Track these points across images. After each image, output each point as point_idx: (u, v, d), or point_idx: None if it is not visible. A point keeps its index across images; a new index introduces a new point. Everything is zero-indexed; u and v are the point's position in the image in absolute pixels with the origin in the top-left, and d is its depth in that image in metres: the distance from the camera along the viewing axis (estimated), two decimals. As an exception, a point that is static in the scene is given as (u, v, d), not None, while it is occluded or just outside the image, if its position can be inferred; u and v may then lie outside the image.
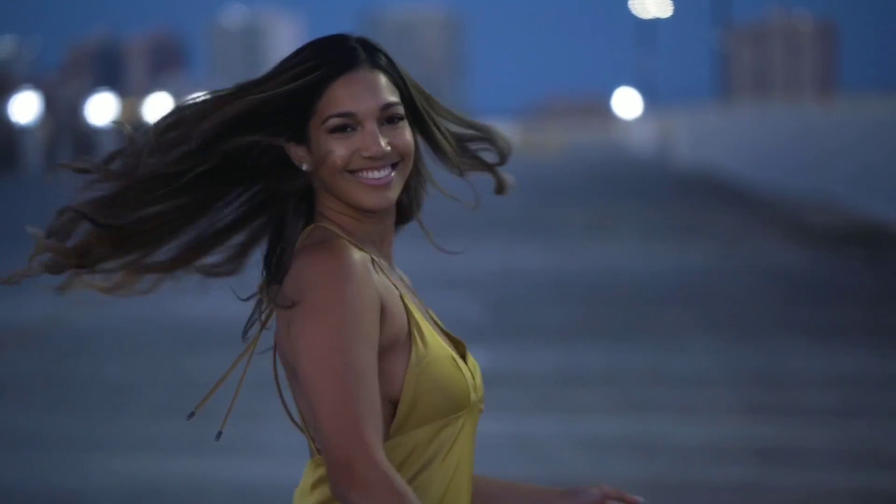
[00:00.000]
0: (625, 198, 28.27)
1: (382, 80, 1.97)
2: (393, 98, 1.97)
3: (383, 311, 1.94)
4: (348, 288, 1.90)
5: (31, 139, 44.57)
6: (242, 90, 1.98)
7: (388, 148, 1.96)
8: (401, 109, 1.98)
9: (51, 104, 51.32)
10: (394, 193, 1.98)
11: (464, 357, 2.04)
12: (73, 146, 48.05)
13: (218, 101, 1.97)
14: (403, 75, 2.00)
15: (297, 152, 1.97)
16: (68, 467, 6.84)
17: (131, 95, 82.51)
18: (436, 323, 2.04)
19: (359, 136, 1.95)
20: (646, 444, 7.06)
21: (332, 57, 1.95)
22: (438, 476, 1.95)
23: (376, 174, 1.96)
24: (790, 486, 6.38)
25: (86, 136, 50.89)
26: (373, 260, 1.98)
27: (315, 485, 1.96)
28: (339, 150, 1.95)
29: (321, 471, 1.94)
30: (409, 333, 1.95)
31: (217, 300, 13.32)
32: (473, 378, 2.01)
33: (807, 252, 17.11)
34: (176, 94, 72.05)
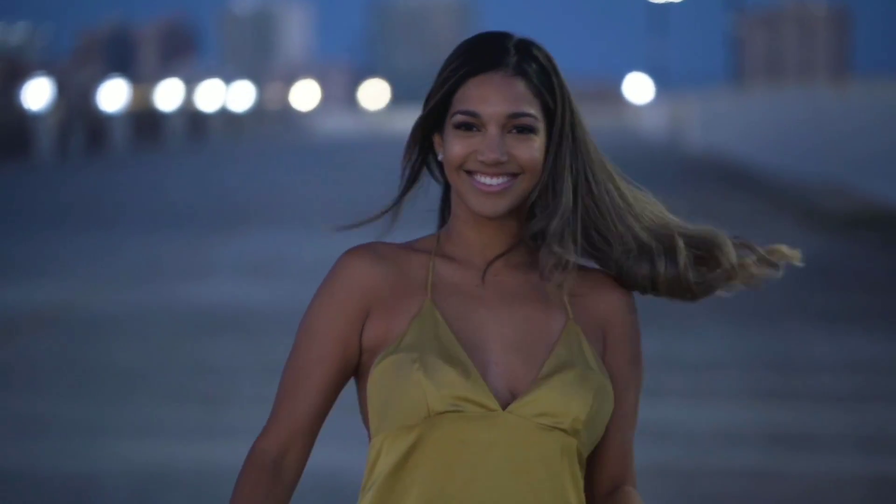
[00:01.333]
0: (636, 183, 28.10)
1: (521, 87, 1.93)
2: (526, 109, 1.92)
3: (370, 316, 1.96)
4: (326, 289, 1.99)
5: (43, 125, 44.66)
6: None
7: (506, 157, 1.92)
8: (532, 122, 1.92)
9: (63, 90, 51.39)
10: (505, 203, 1.93)
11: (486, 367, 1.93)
12: (85, 132, 48.14)
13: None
14: (560, 94, 1.94)
15: (437, 141, 2.00)
16: (79, 452, 6.84)
17: (143, 82, 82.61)
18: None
19: (479, 137, 1.93)
20: (658, 430, 7.03)
21: (479, 54, 1.94)
22: (392, 480, 1.93)
23: (489, 180, 1.93)
24: (803, 471, 6.35)
25: (98, 122, 50.95)
26: (430, 270, 1.97)
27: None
28: (457, 147, 1.94)
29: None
30: (398, 336, 1.94)
31: (226, 286, 13.32)
32: (471, 388, 1.90)
33: (819, 237, 17.05)
34: (187, 81, 72.14)
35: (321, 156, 46.15)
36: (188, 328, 10.63)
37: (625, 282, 1.97)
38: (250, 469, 1.97)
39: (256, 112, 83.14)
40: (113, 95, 53.57)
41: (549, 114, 1.94)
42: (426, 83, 2.02)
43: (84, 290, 12.92)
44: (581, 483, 1.93)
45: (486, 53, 1.94)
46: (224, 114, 71.92)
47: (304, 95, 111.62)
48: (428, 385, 1.90)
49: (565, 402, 1.89)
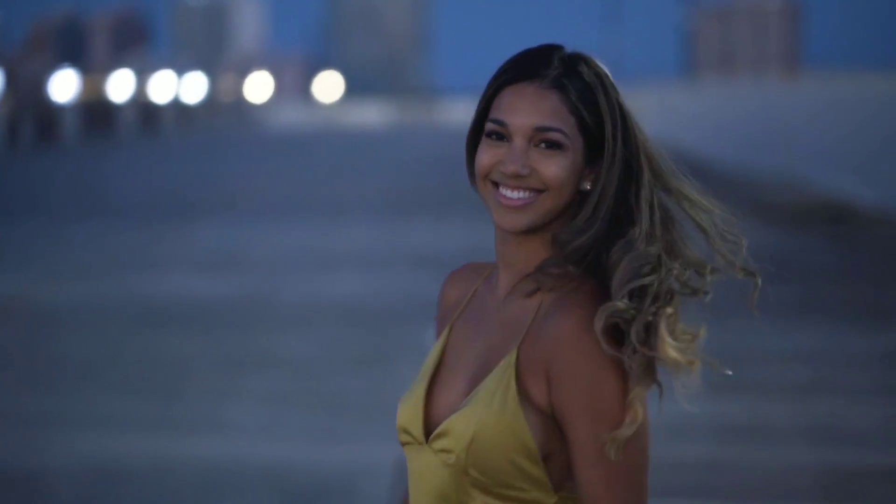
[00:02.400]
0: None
1: (554, 100, 1.86)
2: (556, 124, 1.85)
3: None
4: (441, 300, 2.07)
5: (-7, 116, 44.21)
6: None
7: (527, 171, 1.86)
8: (560, 138, 1.85)
9: (13, 80, 50.88)
10: (526, 219, 1.86)
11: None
12: (35, 123, 47.68)
13: None
14: (609, 115, 1.86)
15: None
16: (31, 445, 6.80)
17: (95, 72, 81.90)
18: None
19: (505, 148, 1.88)
20: (610, 422, 7.06)
21: (522, 63, 1.89)
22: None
23: (510, 193, 1.87)
24: (752, 462, 6.42)
25: (48, 113, 50.49)
26: (478, 288, 1.98)
27: None
28: (484, 156, 1.89)
29: None
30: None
31: (178, 279, 13.26)
32: (409, 417, 1.94)
33: (770, 229, 17.19)
34: (139, 72, 71.56)
35: (275, 148, 45.97)
36: (141, 321, 10.58)
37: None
38: None
39: (209, 104, 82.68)
40: (64, 86, 53.13)
41: (588, 132, 1.87)
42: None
43: (36, 282, 12.82)
44: None
45: (528, 63, 1.88)
46: (176, 105, 71.47)
47: (258, 87, 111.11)
48: (398, 416, 1.97)
49: (454, 436, 1.87)
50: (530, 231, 1.90)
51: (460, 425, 1.86)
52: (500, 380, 1.87)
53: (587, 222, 1.88)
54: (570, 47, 1.92)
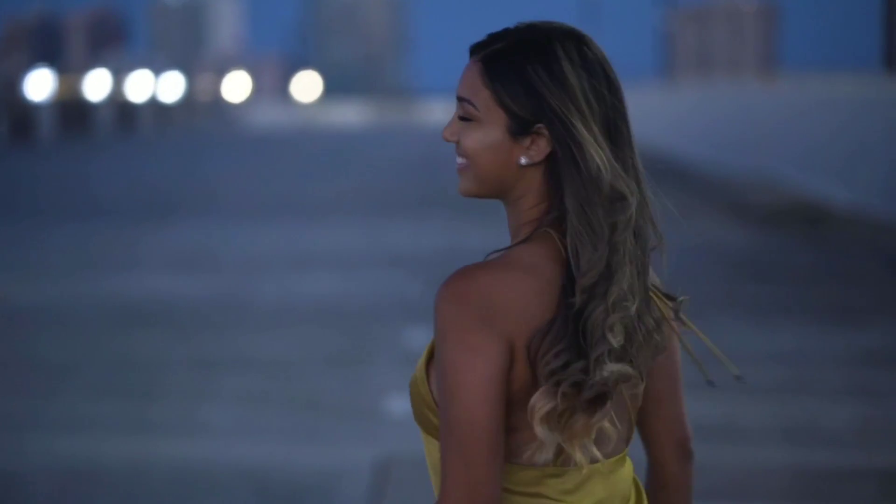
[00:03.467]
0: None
1: (474, 73, 1.87)
2: (467, 95, 1.86)
3: None
4: (463, 315, 1.94)
5: (-32, 116, 43.94)
6: None
7: (454, 138, 1.89)
8: (469, 110, 1.86)
9: (-12, 80, 50.59)
10: (464, 184, 1.89)
11: None
12: (10, 122, 47.45)
13: None
14: (535, 100, 1.83)
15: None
16: (5, 447, 6.76)
17: (70, 72, 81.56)
18: None
19: None
20: (586, 422, 7.07)
21: (487, 39, 1.93)
22: None
23: (458, 158, 1.92)
24: (728, 462, 6.43)
25: (24, 111, 50.26)
26: None
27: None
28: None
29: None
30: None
31: (154, 279, 13.21)
32: None
33: (748, 230, 17.24)
34: (116, 72, 71.32)
35: (252, 148, 45.86)
36: (116, 321, 10.54)
37: None
38: None
39: (187, 103, 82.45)
40: (39, 85, 52.90)
41: (507, 108, 1.84)
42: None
43: (9, 281, 12.75)
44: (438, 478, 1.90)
45: (489, 37, 1.92)
46: (153, 105, 71.25)
47: (236, 87, 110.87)
48: None
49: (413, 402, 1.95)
50: (479, 197, 1.92)
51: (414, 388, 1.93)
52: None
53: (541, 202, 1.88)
54: (558, 24, 1.90)
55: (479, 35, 1.94)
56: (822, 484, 6.08)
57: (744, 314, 10.79)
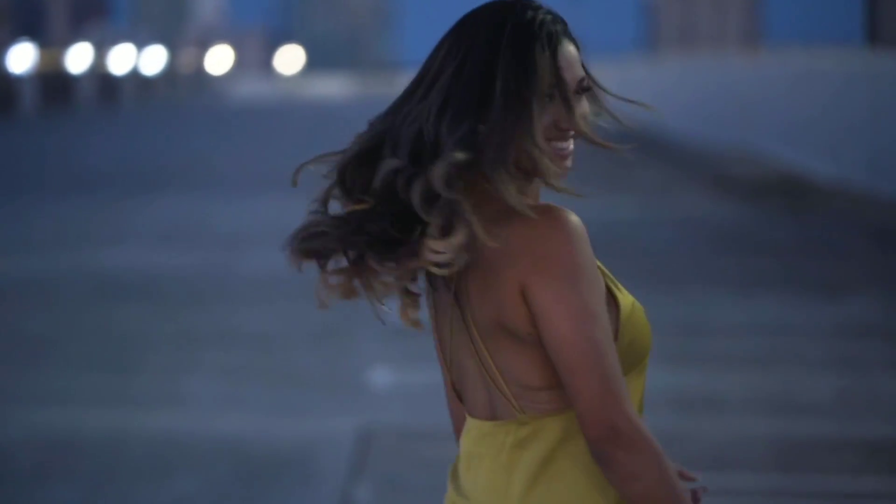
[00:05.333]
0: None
1: (577, 53, 2.05)
2: (585, 71, 2.04)
3: None
4: (588, 251, 1.97)
5: (-51, 89, 43.73)
6: None
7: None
8: (587, 81, 2.03)
9: (-31, 53, 50.35)
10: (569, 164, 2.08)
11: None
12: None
13: None
14: (468, 39, 1.98)
15: None
16: (-15, 420, 6.75)
17: (52, 46, 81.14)
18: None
19: (557, 105, 2.04)
20: (568, 394, 7.09)
21: (558, 25, 2.07)
22: None
23: (566, 144, 2.07)
24: (709, 433, 6.46)
25: (5, 84, 50.00)
26: None
27: (521, 444, 1.96)
28: (546, 116, 2.05)
29: (526, 430, 1.96)
30: (607, 285, 2.00)
31: (137, 252, 13.19)
32: None
33: (730, 204, 17.27)
34: (98, 45, 70.97)
35: (236, 121, 45.74)
36: (98, 295, 10.52)
37: None
38: (666, 459, 1.93)
39: (169, 76, 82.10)
40: (21, 59, 52.62)
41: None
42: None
43: (-9, 256, 12.72)
44: None
45: (556, 20, 2.06)
46: (135, 77, 70.94)
47: (219, 60, 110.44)
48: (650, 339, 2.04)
49: None
50: None
51: None
52: None
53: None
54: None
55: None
56: (803, 454, 6.11)
57: (726, 286, 10.82)
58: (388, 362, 7.99)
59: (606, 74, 50.45)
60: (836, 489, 5.69)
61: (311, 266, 2.11)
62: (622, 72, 45.99)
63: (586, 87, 2.01)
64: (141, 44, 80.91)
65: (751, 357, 8.14)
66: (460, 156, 1.92)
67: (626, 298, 2.00)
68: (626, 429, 1.89)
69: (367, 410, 6.89)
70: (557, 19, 2.02)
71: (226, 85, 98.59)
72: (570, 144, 2.00)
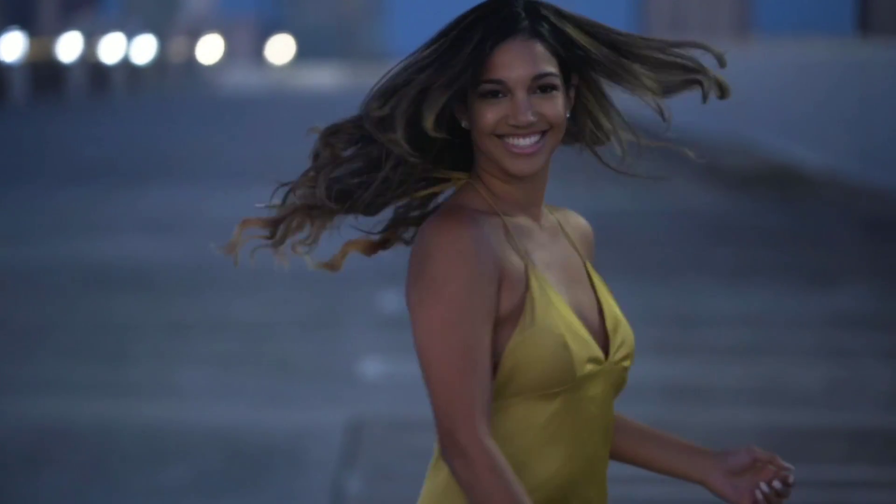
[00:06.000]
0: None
1: (539, 48, 2.03)
2: (547, 68, 2.03)
3: (501, 283, 2.00)
4: (467, 262, 1.96)
5: (-61, 78, 43.60)
6: (416, 64, 2.04)
7: (534, 118, 2.02)
8: (554, 80, 2.03)
9: (-41, 42, 50.21)
10: (540, 161, 2.04)
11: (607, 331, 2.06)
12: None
13: (400, 82, 2.05)
14: (570, 37, 2.05)
15: (460, 109, 2.05)
16: (-24, 410, 6.75)
17: (42, 35, 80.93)
18: (598, 294, 2.07)
19: (508, 103, 2.02)
20: (559, 383, 7.10)
21: (494, 23, 2.02)
22: (543, 452, 2.00)
23: (522, 141, 2.02)
24: (698, 422, 6.48)
25: (-4, 75, 49.87)
26: (507, 229, 2.03)
27: (435, 463, 2.02)
28: (488, 114, 2.02)
29: (437, 449, 2.02)
30: (523, 305, 1.99)
31: (128, 242, 13.17)
32: (595, 346, 2.01)
33: (719, 193, 17.29)
34: (88, 35, 70.81)
35: (226, 110, 45.69)
36: (90, 284, 10.52)
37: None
38: (499, 460, 1.93)
39: (160, 65, 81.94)
40: (11, 48, 52.49)
41: (563, 66, 2.06)
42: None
43: (-18, 246, 12.70)
44: None
45: (499, 22, 2.02)
46: (126, 66, 70.81)
47: (209, 50, 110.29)
48: (575, 353, 1.99)
49: (632, 342, 2.07)
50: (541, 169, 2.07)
51: (630, 331, 2.08)
52: (601, 285, 2.15)
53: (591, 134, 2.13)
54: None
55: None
56: (793, 442, 6.13)
57: (716, 276, 10.84)
58: (378, 352, 8.00)
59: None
60: (826, 478, 5.71)
61: (297, 256, 2.16)
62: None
63: (546, 86, 2.01)
64: (131, 33, 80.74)
65: (742, 346, 8.16)
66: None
67: (526, 323, 1.97)
68: (464, 441, 1.91)
69: (358, 400, 6.90)
70: (522, 16, 2.01)
71: (217, 74, 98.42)
72: (530, 141, 2.01)
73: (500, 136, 2.01)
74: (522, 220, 2.05)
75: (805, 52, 22.42)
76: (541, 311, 1.98)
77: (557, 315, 2.00)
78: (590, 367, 2.00)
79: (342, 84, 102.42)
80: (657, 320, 8.92)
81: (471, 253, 1.96)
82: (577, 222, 2.15)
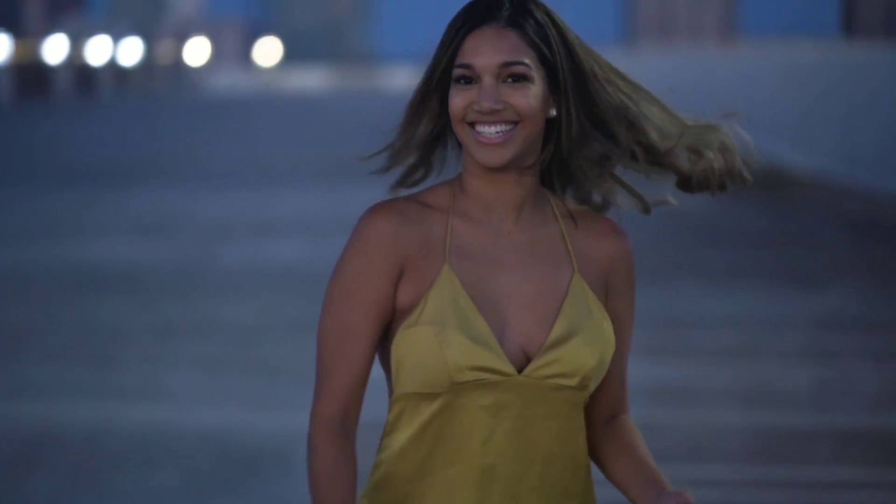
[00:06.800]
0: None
1: (513, 37, 1.99)
2: (518, 58, 1.98)
3: (402, 278, 2.00)
4: (364, 251, 2.01)
5: (-75, 80, 43.43)
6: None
7: (499, 106, 1.98)
8: (525, 70, 1.98)
9: (-55, 45, 50.02)
10: (507, 153, 1.99)
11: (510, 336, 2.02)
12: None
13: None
14: (562, 44, 2.01)
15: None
16: (-36, 413, 6.74)
17: (28, 37, 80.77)
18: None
19: (476, 89, 1.99)
20: (547, 385, 7.11)
21: (475, 11, 2.02)
22: (410, 448, 2.02)
23: (488, 129, 1.99)
24: (687, 424, 6.50)
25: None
26: (449, 229, 2.01)
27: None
28: (456, 99, 2.00)
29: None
30: (418, 303, 2.00)
31: (116, 244, 13.16)
32: (485, 356, 1.99)
33: (707, 196, 17.30)
34: (74, 37, 70.67)
35: (214, 112, 45.63)
36: (78, 287, 10.50)
37: (668, 175, 2.14)
38: (324, 438, 2.01)
39: (146, 67, 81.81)
40: (-3, 50, 52.32)
41: (547, 64, 2.00)
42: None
43: (-31, 249, 12.67)
44: (584, 429, 2.05)
45: (482, 9, 2.01)
46: (113, 68, 70.69)
47: (196, 52, 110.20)
48: (450, 358, 1.97)
49: (576, 361, 2.00)
50: (511, 163, 2.00)
51: (581, 351, 2.00)
52: (584, 302, 2.04)
53: (579, 157, 2.04)
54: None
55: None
56: (780, 445, 6.15)
57: (703, 278, 10.87)
58: (367, 354, 7.99)
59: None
60: (813, 479, 5.73)
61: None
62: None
63: (517, 75, 1.97)
64: (118, 35, 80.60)
65: (729, 348, 8.18)
66: None
67: (411, 321, 1.97)
68: (314, 414, 2.03)
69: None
70: (505, 6, 2.00)
71: (204, 77, 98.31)
72: (495, 129, 1.98)
73: (472, 125, 1.98)
74: (479, 221, 2.01)
75: (791, 55, 22.49)
76: (431, 311, 1.97)
77: (453, 319, 1.97)
78: (473, 374, 1.97)
79: (330, 86, 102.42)
80: (645, 322, 8.94)
81: (370, 243, 1.99)
82: (604, 239, 2.07)
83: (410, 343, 1.98)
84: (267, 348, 8.23)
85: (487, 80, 1.97)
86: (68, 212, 15.78)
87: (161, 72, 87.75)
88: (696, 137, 2.24)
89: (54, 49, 60.80)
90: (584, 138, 2.03)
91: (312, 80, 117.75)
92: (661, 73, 34.46)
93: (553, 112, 2.01)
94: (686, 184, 2.24)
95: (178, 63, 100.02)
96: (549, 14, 2.02)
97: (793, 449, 6.10)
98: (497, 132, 1.98)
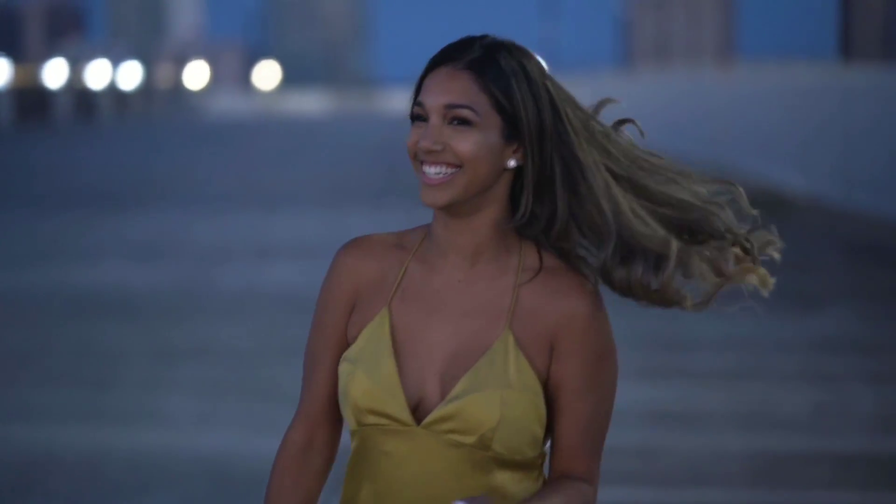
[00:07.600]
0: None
1: (466, 81, 1.95)
2: (464, 101, 1.94)
3: (354, 310, 2.04)
4: (329, 280, 2.07)
5: (-76, 104, 43.48)
6: None
7: (439, 147, 1.94)
8: (468, 115, 1.94)
9: (-56, 69, 50.11)
10: (445, 196, 1.94)
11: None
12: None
13: None
14: (530, 96, 1.94)
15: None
16: (-39, 438, 6.73)
17: (28, 61, 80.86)
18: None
19: (423, 127, 1.97)
20: (544, 409, 7.10)
21: (446, 50, 2.00)
22: (350, 477, 2.05)
23: (428, 169, 1.96)
24: (684, 448, 6.49)
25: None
26: (407, 269, 2.00)
27: None
28: (411, 136, 2.00)
29: None
30: (356, 337, 2.03)
31: (113, 267, 13.16)
32: (383, 400, 1.98)
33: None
34: (74, 61, 70.80)
35: (212, 136, 45.69)
36: (75, 310, 10.50)
37: (606, 282, 2.03)
38: (279, 459, 2.07)
39: (146, 90, 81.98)
40: (-3, 74, 52.41)
41: (505, 113, 1.95)
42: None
43: (-33, 273, 12.67)
44: (516, 484, 1.97)
45: (450, 49, 1.99)
46: (113, 92, 70.82)
47: (195, 76, 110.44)
48: (356, 400, 2.00)
49: (474, 418, 1.94)
50: (452, 208, 1.97)
51: (478, 408, 1.93)
52: (503, 360, 1.95)
53: (532, 202, 1.97)
54: (508, 38, 2.00)
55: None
56: (778, 468, 6.15)
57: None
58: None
59: (581, 90, 50.30)
60: (811, 502, 5.73)
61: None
62: (597, 87, 46.10)
63: (459, 118, 1.93)
64: (117, 59, 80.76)
65: (726, 371, 8.18)
66: None
67: (346, 354, 2.01)
68: (288, 428, 2.11)
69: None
70: (473, 48, 1.97)
71: (203, 100, 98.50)
72: (435, 170, 1.94)
73: (422, 163, 1.99)
74: (434, 266, 1.98)
75: (788, 76, 22.54)
76: (356, 349, 2.00)
77: (368, 360, 1.98)
78: (374, 418, 1.98)
79: (328, 110, 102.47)
80: (641, 344, 8.94)
81: (334, 274, 2.05)
82: (560, 298, 1.96)
83: (339, 377, 2.03)
84: (265, 372, 8.23)
85: (433, 119, 1.95)
86: (67, 235, 15.79)
87: (160, 95, 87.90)
88: (714, 250, 2.15)
89: (54, 73, 60.90)
90: (557, 199, 1.97)
91: (311, 103, 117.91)
92: (659, 96, 34.53)
93: (512, 163, 1.97)
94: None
95: (178, 86, 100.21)
96: (522, 65, 1.95)
97: (791, 472, 6.10)
98: (437, 173, 1.95)
